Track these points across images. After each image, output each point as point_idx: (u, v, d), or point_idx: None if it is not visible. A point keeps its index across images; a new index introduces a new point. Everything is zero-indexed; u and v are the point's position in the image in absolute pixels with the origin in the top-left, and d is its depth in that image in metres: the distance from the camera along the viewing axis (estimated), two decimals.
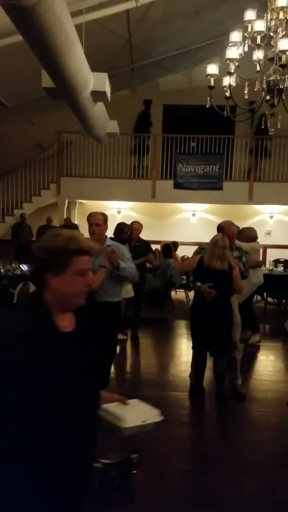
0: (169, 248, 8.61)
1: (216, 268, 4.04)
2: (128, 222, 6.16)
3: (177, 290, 8.93)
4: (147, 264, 6.40)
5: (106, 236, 3.69)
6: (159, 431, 3.61)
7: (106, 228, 3.63)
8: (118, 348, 4.95)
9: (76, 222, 10.16)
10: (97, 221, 3.61)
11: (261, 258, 6.56)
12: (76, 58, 4.22)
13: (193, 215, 11.30)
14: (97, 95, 5.22)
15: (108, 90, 5.23)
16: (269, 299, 8.30)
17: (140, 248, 5.92)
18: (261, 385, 4.84)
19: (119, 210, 11.15)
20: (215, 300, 4.05)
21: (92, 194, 10.21)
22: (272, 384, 4.74)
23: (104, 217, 3.65)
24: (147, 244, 6.12)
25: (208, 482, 2.94)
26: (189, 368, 4.76)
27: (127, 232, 5.84)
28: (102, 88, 5.09)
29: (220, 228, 4.34)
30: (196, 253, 4.48)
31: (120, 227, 5.86)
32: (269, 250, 9.82)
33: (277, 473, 3.15)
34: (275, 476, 3.10)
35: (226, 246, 4.06)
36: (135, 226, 5.99)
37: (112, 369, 4.82)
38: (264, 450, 3.42)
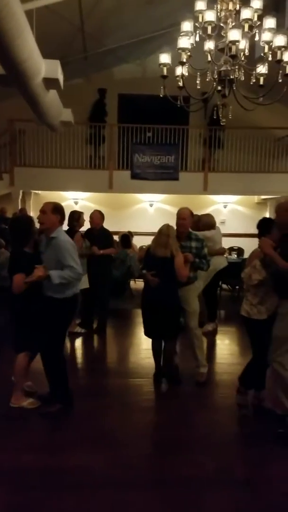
0: (127, 238, 8.65)
1: (158, 255, 4.14)
2: (86, 213, 6.16)
3: (136, 279, 9.00)
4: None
5: (58, 227, 3.65)
6: (119, 418, 3.71)
7: (57, 218, 3.61)
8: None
9: (31, 214, 9.97)
10: (43, 208, 3.64)
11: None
12: (27, 44, 4.11)
13: (151, 205, 11.38)
14: (49, 83, 5.11)
15: (60, 77, 5.14)
16: (224, 286, 8.56)
17: (100, 237, 5.93)
18: (218, 368, 5.01)
19: (76, 201, 11.03)
20: (159, 287, 4.17)
21: (47, 184, 10.02)
22: (227, 367, 4.91)
23: (53, 206, 3.64)
24: (107, 233, 6.13)
25: (168, 465, 3.03)
26: (148, 355, 4.85)
27: (78, 219, 5.84)
28: (54, 75, 4.99)
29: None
30: None
31: (70, 214, 5.84)
32: (223, 239, 10.05)
33: (235, 452, 3.29)
34: (234, 456, 3.24)
35: (170, 234, 4.16)
36: (92, 215, 6.06)
37: (71, 360, 4.84)
38: (222, 430, 3.55)
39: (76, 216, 5.86)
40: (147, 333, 4.42)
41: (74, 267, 3.49)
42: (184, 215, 4.37)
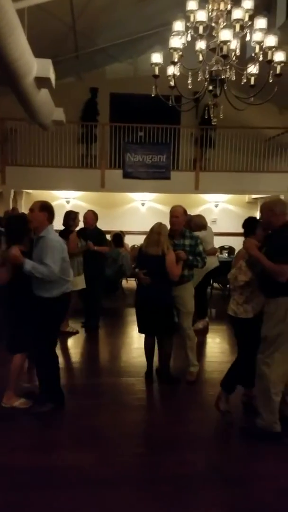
0: (119, 237, 8.66)
1: (149, 253, 4.14)
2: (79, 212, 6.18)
3: (128, 278, 9.01)
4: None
5: (48, 225, 3.63)
6: (111, 417, 3.72)
7: (44, 215, 3.60)
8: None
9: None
10: (32, 206, 3.65)
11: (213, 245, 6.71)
12: (18, 43, 4.10)
13: (143, 204, 11.39)
14: (41, 82, 5.10)
15: (52, 76, 5.12)
16: (215, 285, 8.61)
17: (94, 237, 5.96)
18: (208, 366, 5.04)
19: (68, 200, 11.01)
20: (151, 286, 4.18)
21: (39, 183, 9.98)
22: (218, 365, 4.94)
23: (41, 204, 3.65)
24: (100, 233, 6.15)
25: (160, 463, 3.04)
26: (140, 354, 4.87)
27: (74, 219, 5.88)
28: (46, 74, 4.98)
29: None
30: None
31: (66, 214, 5.92)
32: (215, 238, 10.10)
33: (225, 450, 3.32)
34: (223, 453, 3.27)
35: (161, 232, 4.17)
36: (86, 215, 6.12)
37: (62, 359, 4.83)
38: (212, 428, 3.59)
39: (72, 216, 5.89)
40: (140, 330, 4.43)
41: (50, 266, 3.46)
42: (177, 213, 4.37)
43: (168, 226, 4.37)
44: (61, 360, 4.23)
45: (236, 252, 3.78)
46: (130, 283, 9.35)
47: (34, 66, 4.83)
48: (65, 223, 5.86)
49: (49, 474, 2.88)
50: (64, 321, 5.53)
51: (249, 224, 3.68)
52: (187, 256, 4.24)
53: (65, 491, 2.71)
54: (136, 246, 9.48)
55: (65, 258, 3.65)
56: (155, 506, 2.60)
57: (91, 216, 6.11)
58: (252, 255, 3.36)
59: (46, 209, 3.64)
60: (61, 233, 5.54)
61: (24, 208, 10.77)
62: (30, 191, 10.99)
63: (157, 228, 4.20)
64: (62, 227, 5.78)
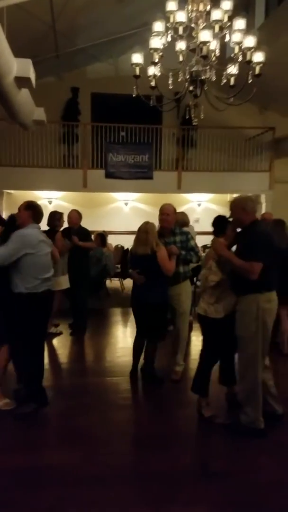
0: (103, 237, 8.64)
1: (139, 254, 4.14)
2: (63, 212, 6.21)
3: (112, 278, 9.00)
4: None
5: (31, 223, 3.70)
6: (96, 416, 3.71)
7: (28, 213, 3.69)
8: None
9: (3, 213, 9.81)
10: (19, 206, 3.78)
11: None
12: None
13: (126, 204, 11.40)
14: (21, 81, 5.06)
15: (32, 76, 5.09)
16: (198, 283, 8.65)
17: (79, 236, 5.99)
18: (192, 364, 5.06)
19: (50, 200, 10.94)
20: (144, 286, 4.16)
21: (20, 183, 9.89)
22: None
23: (27, 203, 3.78)
24: (85, 232, 6.20)
25: (146, 460, 3.06)
26: (124, 354, 4.88)
27: (59, 219, 5.92)
28: (26, 74, 4.94)
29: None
30: None
31: (51, 215, 5.94)
32: (198, 237, 10.17)
33: (211, 446, 3.36)
34: (209, 449, 3.31)
35: (148, 231, 4.14)
36: (70, 215, 6.19)
37: (47, 360, 4.81)
38: (196, 425, 3.62)
39: (57, 216, 5.93)
40: (137, 331, 4.45)
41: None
42: (167, 211, 4.33)
43: (157, 225, 4.36)
44: (46, 361, 4.21)
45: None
46: (114, 283, 9.36)
47: (14, 66, 4.79)
48: (50, 223, 5.86)
49: (35, 474, 2.87)
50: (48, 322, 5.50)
51: (219, 223, 3.63)
52: (180, 251, 4.19)
53: (51, 491, 2.70)
54: (119, 246, 9.49)
55: (37, 254, 3.61)
56: (143, 503, 2.61)
57: (76, 216, 6.13)
58: (221, 255, 3.37)
59: (31, 208, 3.73)
60: (46, 233, 5.52)
61: (5, 208, 10.65)
62: (11, 191, 10.87)
63: (144, 227, 4.18)
64: (46, 228, 5.76)
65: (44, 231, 5.41)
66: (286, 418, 3.63)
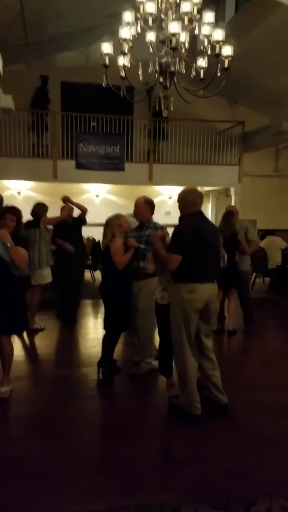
0: None
1: (103, 245, 4.25)
2: (30, 204, 6.14)
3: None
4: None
5: None
6: (63, 407, 3.72)
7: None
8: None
9: None
10: None
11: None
12: None
13: (97, 196, 11.30)
14: None
15: None
16: None
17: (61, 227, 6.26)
18: None
19: (19, 191, 10.72)
20: (102, 277, 4.30)
21: None
22: None
23: None
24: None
25: (113, 449, 3.09)
26: (94, 345, 4.88)
27: (46, 211, 6.00)
28: None
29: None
30: None
31: (39, 206, 6.00)
32: (169, 229, 10.24)
33: (175, 433, 3.42)
34: (174, 437, 3.37)
35: (108, 223, 4.18)
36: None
37: (18, 352, 4.77)
38: (162, 414, 3.66)
39: (45, 208, 6.00)
40: None
41: None
42: (137, 203, 4.29)
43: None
44: (17, 353, 4.16)
45: None
46: (85, 275, 9.30)
47: None
48: (36, 214, 5.89)
49: (1, 465, 2.86)
50: (31, 318, 5.49)
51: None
52: (139, 245, 4.09)
53: (18, 482, 2.69)
54: (90, 238, 9.42)
55: None
56: (109, 492, 2.65)
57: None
58: (155, 246, 3.57)
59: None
60: (32, 223, 5.72)
61: None
62: None
63: (106, 220, 4.22)
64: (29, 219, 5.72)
65: (28, 221, 5.57)
66: (252, 406, 3.74)
